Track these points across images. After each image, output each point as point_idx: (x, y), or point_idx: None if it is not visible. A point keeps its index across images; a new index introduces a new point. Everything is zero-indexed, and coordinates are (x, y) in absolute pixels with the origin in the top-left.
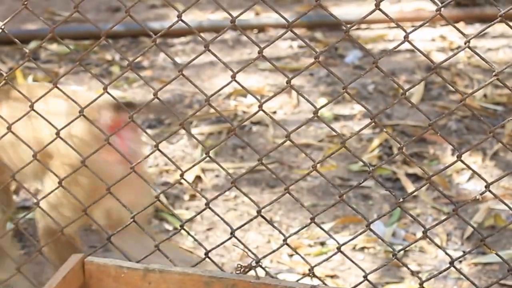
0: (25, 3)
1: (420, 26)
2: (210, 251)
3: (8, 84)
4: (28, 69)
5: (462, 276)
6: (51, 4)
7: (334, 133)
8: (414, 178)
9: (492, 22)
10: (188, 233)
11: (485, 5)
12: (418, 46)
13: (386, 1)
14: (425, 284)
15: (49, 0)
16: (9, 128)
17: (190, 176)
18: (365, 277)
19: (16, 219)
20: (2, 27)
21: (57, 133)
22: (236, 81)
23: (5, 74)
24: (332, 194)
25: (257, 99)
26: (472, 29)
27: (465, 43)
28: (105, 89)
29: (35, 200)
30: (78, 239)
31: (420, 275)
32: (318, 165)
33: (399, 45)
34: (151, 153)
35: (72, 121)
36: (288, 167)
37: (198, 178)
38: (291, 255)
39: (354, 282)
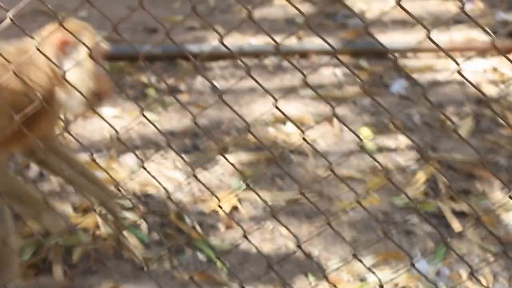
0: (61, 22)
1: (472, 57)
2: (245, 284)
3: None
4: None
5: None
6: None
7: (377, 165)
8: (461, 215)
9: None
10: (224, 265)
11: None
12: (468, 77)
13: (435, 29)
14: None
15: (84, 19)
16: None
17: (227, 206)
18: None
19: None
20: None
21: None
22: (278, 108)
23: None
24: (374, 228)
25: (299, 128)
26: None
27: None
28: (141, 112)
29: None
30: None
31: None
32: (361, 199)
33: (450, 76)
34: (187, 180)
35: None
36: (328, 199)
37: (234, 208)
38: None
39: None
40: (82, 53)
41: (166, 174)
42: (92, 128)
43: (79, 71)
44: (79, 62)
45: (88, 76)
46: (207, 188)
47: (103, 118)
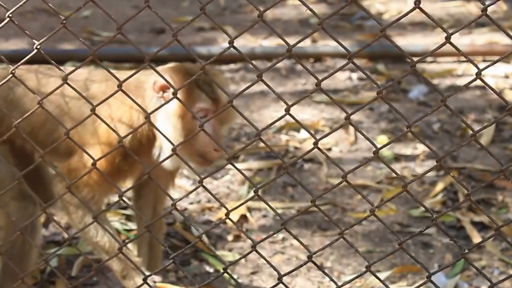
0: (64, 22)
1: (495, 62)
2: None
3: None
4: None
5: None
6: (89, 23)
7: (394, 175)
8: (480, 226)
9: None
10: (231, 277)
11: None
12: (490, 83)
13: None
14: None
15: (87, 18)
16: None
17: (235, 215)
18: None
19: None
20: (38, 46)
21: None
22: (290, 114)
23: (40, 98)
24: (389, 240)
25: (312, 135)
26: None
27: None
28: (147, 117)
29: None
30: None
31: None
32: (376, 209)
33: (470, 82)
34: (195, 189)
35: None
36: (342, 209)
37: (243, 217)
38: None
39: None
40: (175, 104)
41: None
42: None
43: (168, 122)
44: (169, 112)
45: (179, 130)
46: (215, 197)
47: (107, 124)
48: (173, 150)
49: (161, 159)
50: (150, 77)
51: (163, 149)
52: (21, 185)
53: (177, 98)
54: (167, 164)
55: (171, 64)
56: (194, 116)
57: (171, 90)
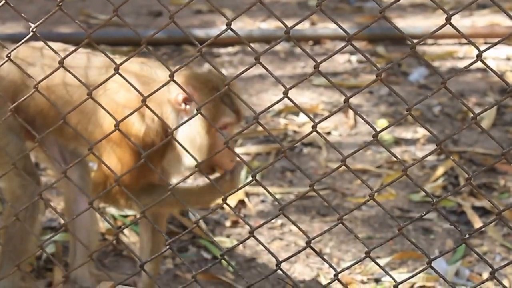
0: (60, 4)
1: (496, 44)
2: (252, 284)
3: None
4: None
5: None
6: (86, 6)
7: (394, 159)
8: (482, 211)
9: None
10: (229, 263)
11: None
12: (491, 65)
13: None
14: None
15: (84, 1)
16: None
17: (232, 201)
18: None
19: (41, 242)
20: (34, 29)
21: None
22: (288, 97)
23: (36, 81)
24: (389, 226)
25: (311, 118)
26: None
27: None
28: (144, 101)
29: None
30: None
31: None
32: (376, 194)
33: (471, 64)
34: (192, 174)
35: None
36: (341, 194)
37: (241, 202)
38: None
39: None
40: (199, 118)
41: None
42: None
43: (190, 132)
44: (192, 126)
45: (201, 145)
46: (212, 182)
47: (105, 110)
48: (197, 166)
49: (172, 168)
50: (171, 88)
51: (179, 160)
52: (26, 162)
53: (201, 114)
54: (176, 169)
55: (192, 73)
56: (219, 132)
57: (197, 101)
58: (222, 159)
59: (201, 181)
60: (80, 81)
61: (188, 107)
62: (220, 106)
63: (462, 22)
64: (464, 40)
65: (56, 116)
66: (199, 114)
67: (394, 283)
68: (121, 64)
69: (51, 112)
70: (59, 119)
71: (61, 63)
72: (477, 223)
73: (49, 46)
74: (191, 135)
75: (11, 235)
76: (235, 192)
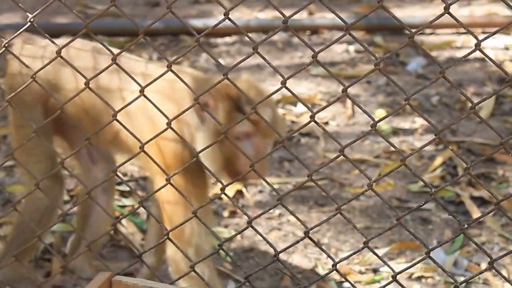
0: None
1: (494, 33)
2: (250, 275)
3: None
4: None
5: None
6: None
7: (392, 149)
8: (480, 201)
9: None
10: (227, 254)
11: None
12: (490, 55)
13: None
14: None
15: None
16: None
17: (230, 191)
18: None
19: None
20: (31, 19)
21: None
22: (286, 87)
23: (32, 72)
24: (387, 216)
25: (309, 108)
26: None
27: None
28: (141, 91)
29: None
30: None
31: None
32: (374, 184)
33: (469, 53)
34: (190, 162)
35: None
36: (339, 185)
37: (239, 192)
38: (340, 282)
39: None
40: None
41: None
42: None
43: (204, 140)
44: (209, 132)
45: (218, 152)
46: (210, 171)
47: (100, 98)
48: (222, 190)
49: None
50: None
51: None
52: (53, 164)
53: (212, 117)
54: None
55: (212, 79)
56: (236, 138)
57: (211, 109)
58: (245, 168)
59: None
60: (131, 76)
61: (205, 113)
62: (233, 115)
63: (460, 11)
64: (462, 30)
65: (96, 116)
66: (212, 122)
67: (392, 273)
68: (118, 54)
69: (91, 112)
70: (105, 120)
71: (58, 53)
72: (476, 213)
73: (47, 36)
74: (208, 141)
75: (23, 229)
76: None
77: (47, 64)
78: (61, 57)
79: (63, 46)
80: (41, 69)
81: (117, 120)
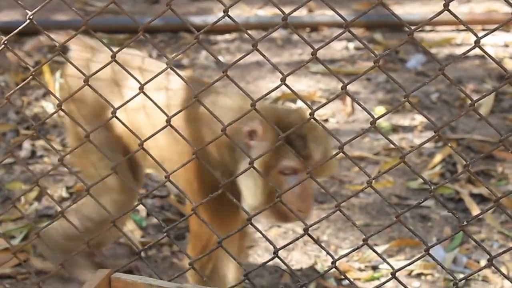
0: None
1: (494, 30)
2: (250, 272)
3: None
4: (57, 63)
5: None
6: None
7: (392, 146)
8: (480, 199)
9: None
10: (226, 251)
11: None
12: (489, 52)
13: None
14: None
15: None
16: None
17: None
18: None
19: (38, 229)
20: (31, 17)
21: None
22: (286, 84)
23: (32, 69)
24: (387, 213)
25: (308, 106)
26: None
27: None
28: (141, 89)
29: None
30: None
31: None
32: (373, 181)
33: (469, 51)
34: (190, 161)
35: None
36: (339, 182)
37: None
38: (339, 279)
39: None
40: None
41: None
42: None
43: (251, 175)
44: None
45: (261, 187)
46: (209, 169)
47: (101, 96)
48: (248, 220)
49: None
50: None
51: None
52: (123, 178)
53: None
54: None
55: (268, 106)
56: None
57: (259, 138)
58: (290, 207)
59: None
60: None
61: (253, 142)
62: (282, 148)
63: (459, 8)
64: (461, 27)
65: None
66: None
67: (392, 271)
68: (118, 52)
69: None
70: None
71: (58, 49)
72: (475, 210)
73: (47, 34)
74: (248, 176)
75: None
76: (232, 179)
77: (103, 67)
78: (61, 54)
79: (118, 51)
80: (95, 72)
81: (172, 127)
